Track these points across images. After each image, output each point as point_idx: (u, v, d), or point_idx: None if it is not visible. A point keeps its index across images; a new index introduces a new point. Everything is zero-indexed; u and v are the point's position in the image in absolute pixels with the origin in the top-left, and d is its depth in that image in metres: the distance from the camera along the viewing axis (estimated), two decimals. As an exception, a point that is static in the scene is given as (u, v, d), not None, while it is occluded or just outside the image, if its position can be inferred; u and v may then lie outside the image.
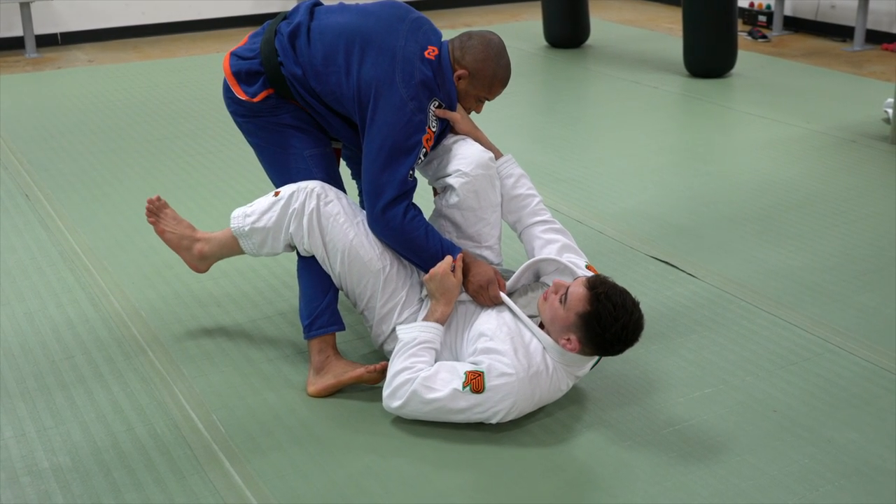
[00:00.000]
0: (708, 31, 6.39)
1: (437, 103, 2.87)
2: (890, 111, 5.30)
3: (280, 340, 3.19)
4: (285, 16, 3.00)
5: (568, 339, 2.59)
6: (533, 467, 2.53)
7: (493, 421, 2.63)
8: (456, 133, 3.01)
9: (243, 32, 8.53)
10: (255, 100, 2.95)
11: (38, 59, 7.63)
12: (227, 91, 3.02)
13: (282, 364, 3.04)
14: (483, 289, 2.82)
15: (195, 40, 8.29)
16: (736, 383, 2.92)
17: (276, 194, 2.91)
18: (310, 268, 2.94)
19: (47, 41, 8.05)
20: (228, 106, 3.08)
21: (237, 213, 3.00)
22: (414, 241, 2.83)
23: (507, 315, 2.74)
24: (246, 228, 2.95)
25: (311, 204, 2.83)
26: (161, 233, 3.16)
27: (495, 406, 2.59)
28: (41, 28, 7.94)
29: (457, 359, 2.78)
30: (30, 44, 7.70)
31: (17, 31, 7.82)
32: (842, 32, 7.84)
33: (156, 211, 3.18)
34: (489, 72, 2.95)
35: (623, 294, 2.58)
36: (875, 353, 3.07)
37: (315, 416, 2.76)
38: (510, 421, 2.66)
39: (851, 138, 5.23)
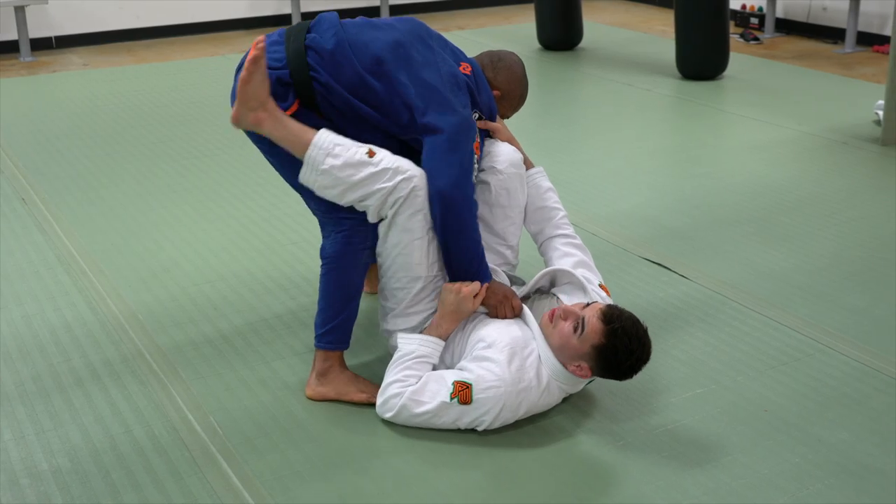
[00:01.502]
0: (700, 33, 6.43)
1: (478, 115, 2.95)
2: (881, 113, 5.33)
3: (276, 343, 3.21)
4: (308, 27, 2.86)
5: (579, 367, 2.62)
6: (527, 467, 2.56)
7: (480, 429, 2.67)
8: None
9: (238, 35, 8.56)
10: (288, 113, 2.80)
11: (32, 62, 7.65)
12: None
13: (278, 366, 3.07)
14: (507, 299, 2.83)
15: (190, 43, 8.31)
16: (727, 383, 2.95)
17: (371, 154, 2.68)
18: (335, 279, 2.86)
19: (42, 45, 8.06)
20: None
21: (325, 141, 2.69)
22: (469, 227, 2.77)
23: (515, 326, 2.75)
24: (322, 166, 2.69)
25: (404, 190, 2.68)
26: (242, 81, 2.69)
27: (482, 416, 2.63)
28: (36, 32, 7.96)
29: (454, 359, 2.81)
30: (24, 47, 7.71)
31: (12, 35, 7.84)
32: (833, 34, 7.89)
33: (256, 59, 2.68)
34: (518, 92, 3.15)
35: (636, 325, 2.60)
36: (865, 354, 3.10)
37: (312, 418, 2.79)
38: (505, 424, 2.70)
39: (843, 140, 5.27)
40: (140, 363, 3.10)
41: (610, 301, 2.93)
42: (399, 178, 2.68)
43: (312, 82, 2.77)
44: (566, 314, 2.63)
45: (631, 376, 2.66)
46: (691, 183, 4.70)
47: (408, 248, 2.76)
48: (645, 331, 2.63)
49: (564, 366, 2.65)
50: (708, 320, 3.34)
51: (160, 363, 3.10)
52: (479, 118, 2.97)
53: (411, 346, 2.75)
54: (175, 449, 2.65)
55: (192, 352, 3.17)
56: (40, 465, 2.58)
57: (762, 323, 3.31)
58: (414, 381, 2.70)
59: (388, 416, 2.70)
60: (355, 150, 2.70)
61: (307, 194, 2.87)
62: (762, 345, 3.17)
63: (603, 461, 2.59)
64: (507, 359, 2.63)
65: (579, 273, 2.94)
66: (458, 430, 2.68)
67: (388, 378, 2.73)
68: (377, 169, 2.68)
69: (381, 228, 2.78)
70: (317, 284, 3.51)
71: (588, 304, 2.66)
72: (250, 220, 4.24)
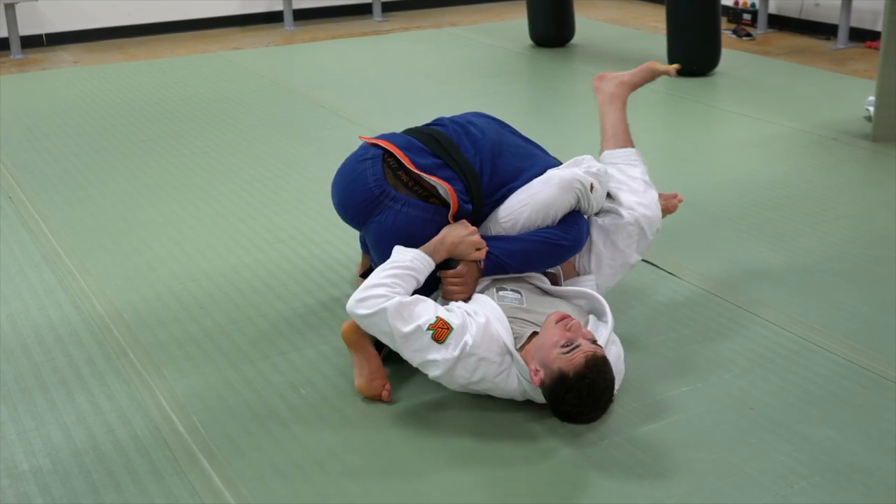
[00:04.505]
0: (691, 29, 6.41)
1: None
2: (871, 109, 5.32)
3: (261, 342, 3.20)
4: (457, 143, 2.97)
5: (537, 371, 2.59)
6: (511, 465, 2.55)
7: (431, 376, 2.65)
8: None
9: (229, 33, 8.54)
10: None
11: (23, 60, 7.63)
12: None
13: (263, 366, 3.05)
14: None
15: (181, 41, 8.28)
16: (713, 381, 2.94)
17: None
18: None
19: (33, 42, 8.04)
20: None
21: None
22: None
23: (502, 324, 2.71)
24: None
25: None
26: None
27: (441, 361, 2.60)
28: (26, 29, 7.93)
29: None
30: (15, 45, 7.69)
31: (2, 33, 7.81)
32: (826, 30, 7.88)
33: None
34: None
35: (606, 390, 2.55)
36: (852, 351, 3.09)
37: (295, 417, 2.78)
38: (487, 421, 2.69)
39: (833, 136, 5.26)
40: (124, 362, 3.08)
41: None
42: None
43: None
44: (573, 329, 2.58)
45: (561, 419, 2.62)
46: (682, 180, 4.68)
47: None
48: (608, 401, 2.59)
49: (528, 363, 2.63)
50: (695, 317, 3.32)
51: (144, 362, 3.08)
52: None
53: (405, 256, 2.75)
54: (157, 449, 2.64)
55: (176, 351, 3.15)
56: (21, 466, 2.57)
57: (750, 320, 3.30)
58: (401, 290, 2.67)
59: (360, 312, 2.64)
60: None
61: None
62: (749, 342, 3.16)
63: (586, 460, 2.57)
64: (485, 325, 2.63)
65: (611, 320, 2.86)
66: (442, 429, 2.67)
67: (374, 279, 2.69)
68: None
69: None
70: (302, 282, 3.52)
71: (595, 340, 2.60)
72: (238, 219, 4.22)
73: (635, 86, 3.62)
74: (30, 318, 3.37)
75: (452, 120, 3.08)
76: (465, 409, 2.78)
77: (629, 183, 3.29)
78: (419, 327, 2.60)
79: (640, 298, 3.46)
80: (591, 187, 2.98)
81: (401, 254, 2.77)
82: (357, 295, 2.67)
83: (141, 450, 2.63)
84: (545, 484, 2.48)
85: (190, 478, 2.51)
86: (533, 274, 2.98)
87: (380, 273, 2.71)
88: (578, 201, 2.95)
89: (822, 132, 5.33)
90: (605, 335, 2.73)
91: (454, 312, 2.67)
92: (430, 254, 2.80)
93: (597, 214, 3.14)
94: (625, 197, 3.20)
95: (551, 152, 3.55)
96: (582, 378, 2.50)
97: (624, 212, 3.14)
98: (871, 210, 4.26)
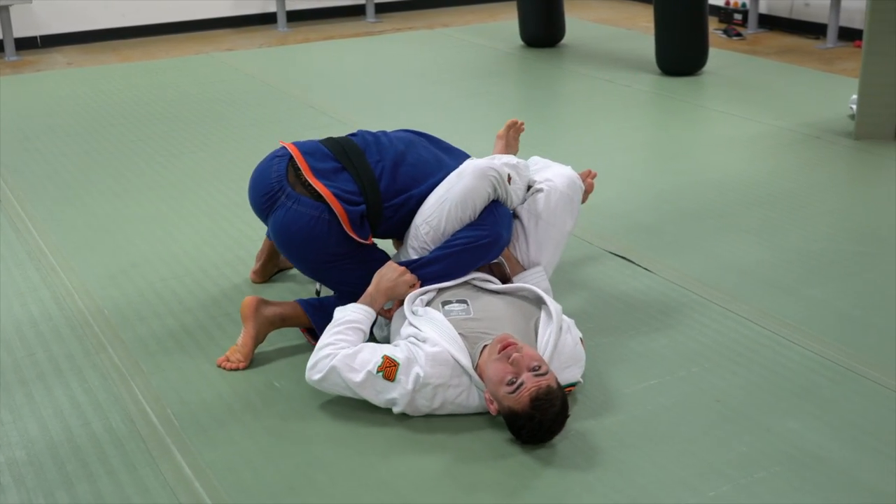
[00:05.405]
0: (679, 29, 6.45)
1: None
2: (855, 107, 5.36)
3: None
4: (363, 150, 3.10)
5: (491, 402, 2.64)
6: (476, 456, 2.59)
7: (395, 411, 2.71)
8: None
9: (223, 34, 8.59)
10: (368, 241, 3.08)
11: (17, 62, 7.68)
12: (337, 234, 3.00)
13: (239, 359, 3.10)
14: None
15: (175, 42, 8.33)
16: (682, 374, 2.97)
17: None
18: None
19: (28, 44, 8.10)
20: (331, 248, 3.03)
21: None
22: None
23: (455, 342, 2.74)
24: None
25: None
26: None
27: (397, 398, 2.67)
28: (21, 31, 7.99)
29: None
30: (9, 47, 7.75)
31: (-3, 35, 7.87)
32: (815, 30, 7.91)
33: None
34: None
35: (553, 422, 2.56)
36: (821, 345, 3.12)
37: (268, 410, 2.82)
38: (452, 413, 2.72)
39: (817, 135, 5.29)
40: (102, 357, 3.13)
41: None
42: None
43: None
44: (516, 364, 2.56)
45: (522, 443, 2.63)
46: (664, 178, 4.73)
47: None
48: (562, 423, 2.59)
49: (482, 377, 2.67)
50: (668, 313, 3.36)
51: (122, 357, 3.12)
52: None
53: (345, 312, 2.84)
54: (131, 441, 2.68)
55: (154, 345, 3.20)
56: (-4, 457, 2.62)
57: (722, 315, 3.34)
58: (345, 344, 2.74)
59: (316, 378, 2.73)
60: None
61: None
62: (720, 336, 3.20)
63: (551, 451, 2.60)
64: (433, 354, 2.67)
65: (558, 307, 2.91)
66: (408, 420, 2.71)
67: (320, 342, 2.78)
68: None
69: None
70: (281, 277, 3.57)
71: (538, 367, 2.57)
72: (221, 216, 4.26)
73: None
74: (12, 314, 3.42)
75: (369, 132, 3.24)
76: (435, 402, 2.82)
77: (540, 162, 3.46)
78: (369, 372, 2.67)
79: (614, 294, 3.50)
80: (510, 179, 3.05)
81: (341, 311, 2.87)
82: (309, 363, 2.77)
83: (115, 442, 2.68)
84: (509, 474, 2.52)
85: (162, 469, 2.56)
86: (475, 275, 3.03)
87: (325, 336, 2.81)
88: (495, 190, 3.00)
89: (807, 130, 5.37)
90: (552, 339, 2.77)
91: (400, 347, 2.73)
92: (369, 304, 2.90)
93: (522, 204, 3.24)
94: (541, 175, 3.30)
95: (535, 151, 3.60)
96: (530, 417, 2.53)
97: (543, 185, 3.23)
98: (851, 207, 4.30)
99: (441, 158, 3.18)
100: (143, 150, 5.26)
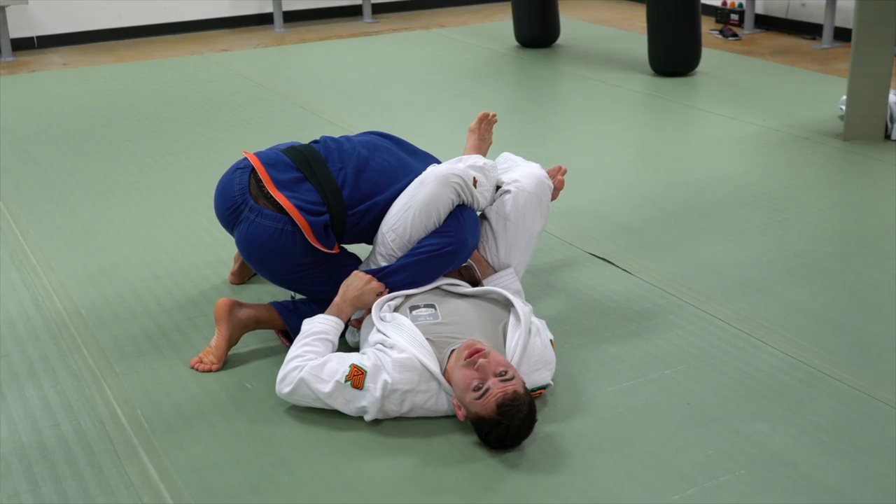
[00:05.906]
0: (671, 30, 6.44)
1: None
2: (845, 108, 5.34)
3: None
4: (325, 158, 3.10)
5: (459, 408, 2.64)
6: (442, 458, 2.59)
7: (367, 419, 2.71)
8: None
9: (219, 35, 8.60)
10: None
11: (13, 62, 7.71)
12: (301, 244, 3.00)
13: (212, 361, 3.10)
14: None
15: (171, 43, 8.35)
16: (654, 376, 2.97)
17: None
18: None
19: (24, 45, 8.12)
20: (297, 258, 3.02)
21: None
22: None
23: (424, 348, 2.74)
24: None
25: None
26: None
27: (369, 406, 2.67)
28: (17, 32, 8.02)
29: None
30: (5, 48, 7.77)
31: (-7, 35, 7.90)
32: (811, 30, 7.90)
33: None
34: None
35: (520, 427, 2.55)
36: (794, 347, 3.12)
37: (238, 412, 2.83)
38: (421, 416, 2.73)
39: (805, 135, 5.28)
40: (77, 358, 3.14)
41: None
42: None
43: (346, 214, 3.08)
44: (481, 370, 2.56)
45: (490, 448, 2.62)
46: (650, 179, 4.72)
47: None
48: (530, 428, 2.59)
49: (450, 382, 2.67)
50: (644, 314, 3.36)
51: (96, 358, 3.13)
52: None
53: (312, 323, 2.84)
54: (99, 442, 2.69)
55: (129, 346, 3.21)
56: (-36, 459, 2.62)
57: (697, 317, 3.33)
58: (313, 356, 2.75)
59: (285, 391, 2.74)
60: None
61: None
62: (694, 338, 3.19)
63: (518, 454, 2.60)
64: (401, 360, 2.67)
65: (528, 310, 2.91)
66: (375, 423, 2.71)
67: (288, 355, 2.79)
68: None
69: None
70: (260, 279, 3.57)
71: (505, 373, 2.56)
72: (204, 217, 4.26)
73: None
74: (-10, 315, 3.44)
75: (332, 138, 3.22)
76: (404, 404, 2.82)
77: (510, 160, 3.44)
78: (338, 382, 2.67)
79: (591, 296, 3.50)
80: (475, 181, 3.03)
81: (308, 323, 2.88)
82: (278, 376, 2.77)
83: (83, 443, 2.68)
84: (473, 475, 2.52)
85: (127, 470, 2.56)
86: (444, 280, 3.03)
87: (293, 348, 2.81)
88: (459, 195, 2.99)
89: (796, 131, 5.36)
90: (520, 343, 2.76)
91: (367, 354, 2.73)
92: (337, 314, 2.90)
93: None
94: (508, 175, 3.28)
95: (523, 152, 3.60)
96: (497, 423, 2.53)
97: (511, 187, 3.21)
98: (834, 208, 4.29)
99: (406, 162, 3.17)
100: (131, 150, 5.28)
